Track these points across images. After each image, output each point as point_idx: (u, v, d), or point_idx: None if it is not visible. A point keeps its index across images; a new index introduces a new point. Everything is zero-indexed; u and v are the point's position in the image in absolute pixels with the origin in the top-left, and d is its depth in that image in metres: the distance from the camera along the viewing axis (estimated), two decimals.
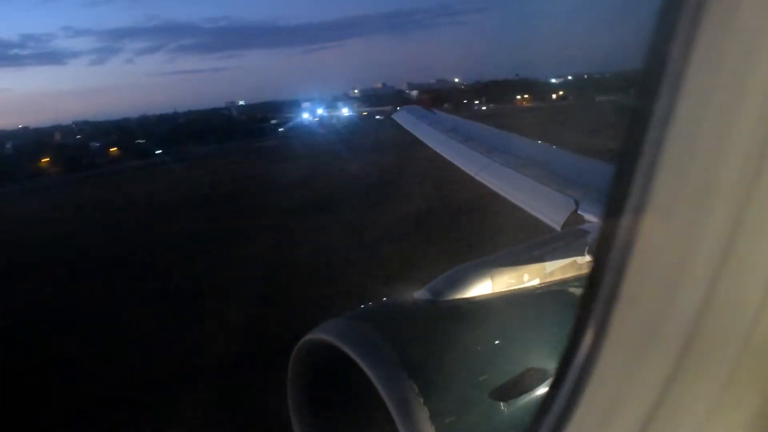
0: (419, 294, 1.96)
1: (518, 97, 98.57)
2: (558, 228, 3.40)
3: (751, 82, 0.59)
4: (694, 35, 0.60)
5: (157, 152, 68.64)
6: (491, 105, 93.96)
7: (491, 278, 2.06)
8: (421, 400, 1.45)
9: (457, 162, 5.42)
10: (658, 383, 0.69)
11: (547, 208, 3.77)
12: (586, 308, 0.75)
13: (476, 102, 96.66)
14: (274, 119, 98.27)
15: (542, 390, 1.58)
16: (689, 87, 0.62)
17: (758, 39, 0.58)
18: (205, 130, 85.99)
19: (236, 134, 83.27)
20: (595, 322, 0.73)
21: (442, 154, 5.87)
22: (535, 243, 2.49)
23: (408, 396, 1.45)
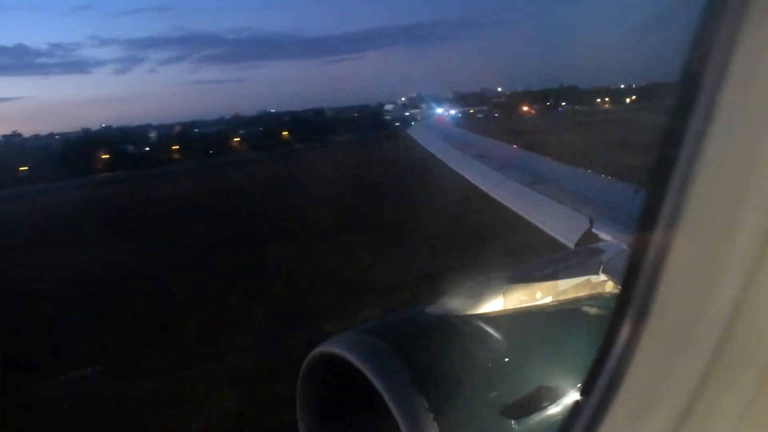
0: (431, 309, 1.96)
1: (598, 100, 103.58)
2: (572, 246, 3.37)
3: None
4: (729, 55, 0.61)
5: (311, 139, 75.50)
6: (576, 106, 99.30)
7: (503, 295, 2.05)
8: (431, 415, 1.44)
9: (471, 178, 5.42)
10: (689, 391, 0.70)
11: (561, 225, 3.74)
12: (619, 316, 0.76)
13: (561, 105, 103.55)
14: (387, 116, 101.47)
15: (553, 409, 1.56)
16: (722, 105, 0.63)
17: None
18: (334, 125, 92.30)
19: (367, 126, 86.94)
20: (628, 330, 0.75)
21: (457, 170, 5.87)
22: (549, 260, 2.47)
23: (418, 411, 1.44)
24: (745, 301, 0.65)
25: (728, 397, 0.69)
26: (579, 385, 0.91)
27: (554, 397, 1.58)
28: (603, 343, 0.80)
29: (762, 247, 0.64)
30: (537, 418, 1.55)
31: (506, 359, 1.73)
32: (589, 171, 5.09)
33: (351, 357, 1.57)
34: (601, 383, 0.79)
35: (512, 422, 1.54)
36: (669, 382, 0.72)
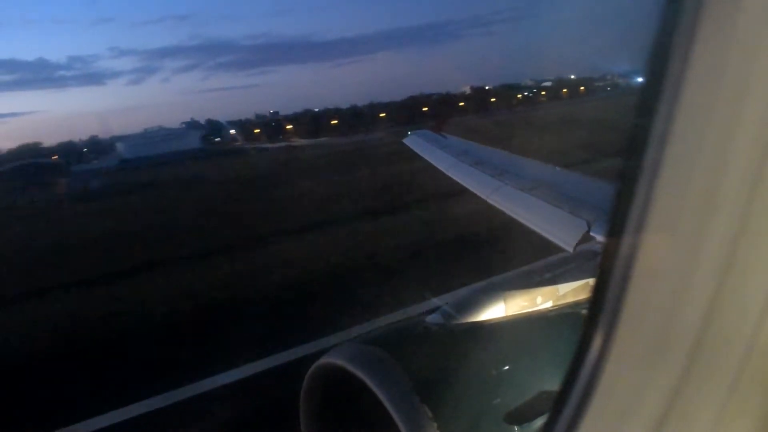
0: (432, 318, 1.97)
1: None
2: (570, 250, 3.38)
3: (750, 95, 0.60)
4: (690, 50, 0.61)
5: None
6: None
7: (504, 301, 2.06)
8: (435, 424, 1.44)
9: (468, 185, 5.44)
10: (664, 394, 0.70)
11: (559, 229, 3.75)
12: (591, 324, 0.76)
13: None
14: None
15: None
16: (687, 103, 0.63)
17: (756, 52, 0.59)
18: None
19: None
20: (601, 338, 0.74)
21: (453, 177, 5.89)
22: (548, 265, 2.48)
23: (421, 420, 1.44)
24: (717, 304, 0.65)
25: (703, 401, 0.70)
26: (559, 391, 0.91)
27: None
28: (576, 351, 0.80)
29: (732, 250, 0.64)
30: (540, 422, 1.55)
31: (508, 365, 1.73)
32: (586, 175, 5.11)
33: (353, 368, 1.58)
34: (576, 394, 0.79)
35: (515, 428, 1.54)
36: (644, 388, 0.72)
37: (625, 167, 0.71)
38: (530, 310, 2.12)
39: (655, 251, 0.69)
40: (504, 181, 5.03)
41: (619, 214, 0.71)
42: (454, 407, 1.52)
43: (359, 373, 1.56)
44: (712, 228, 0.64)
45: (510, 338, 1.88)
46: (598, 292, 0.75)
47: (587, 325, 0.78)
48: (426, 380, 1.56)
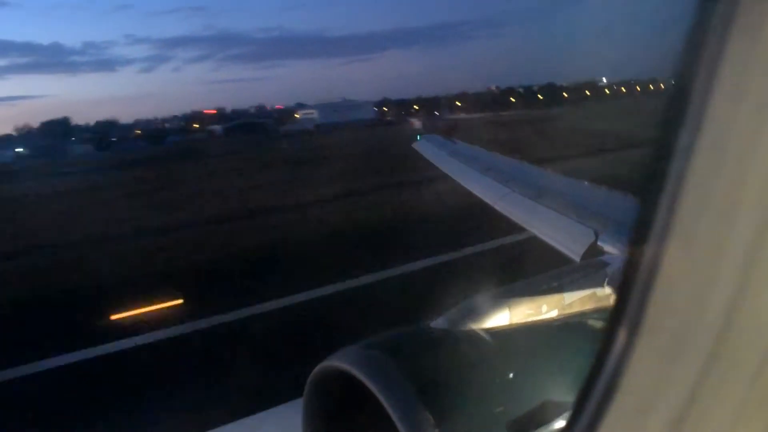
0: (435, 323, 1.96)
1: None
2: (577, 259, 3.37)
3: None
4: (717, 65, 0.62)
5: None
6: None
7: (509, 308, 2.05)
8: (437, 431, 1.44)
9: (477, 191, 5.44)
10: (684, 394, 0.72)
11: (566, 238, 3.74)
12: (614, 325, 0.78)
13: None
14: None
15: (560, 423, 1.55)
16: (711, 117, 0.64)
17: None
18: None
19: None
20: (623, 338, 0.76)
21: (462, 184, 5.89)
22: (554, 274, 2.47)
23: (423, 427, 1.44)
24: (736, 308, 0.67)
25: (721, 402, 0.71)
26: (577, 393, 0.93)
27: (560, 411, 1.57)
28: (599, 351, 0.81)
29: (751, 258, 0.65)
30: None
31: (512, 373, 1.72)
32: (595, 184, 5.09)
33: (355, 372, 1.58)
34: (597, 392, 0.80)
35: None
36: (664, 389, 0.74)
37: (649, 177, 0.73)
38: (535, 318, 2.11)
39: (677, 258, 0.71)
40: (512, 188, 5.02)
41: (644, 222, 0.73)
42: (457, 414, 1.52)
43: (362, 378, 1.55)
44: (732, 237, 0.66)
45: (514, 346, 1.87)
46: (622, 294, 0.77)
47: (610, 326, 0.80)
48: (429, 386, 1.56)
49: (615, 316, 0.78)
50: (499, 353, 1.80)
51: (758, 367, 0.67)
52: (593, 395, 0.81)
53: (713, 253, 0.67)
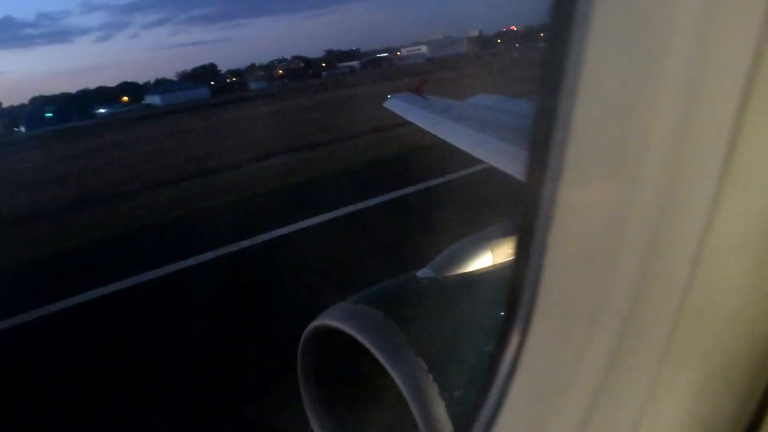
0: (422, 272, 1.98)
1: None
2: None
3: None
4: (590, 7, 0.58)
5: None
6: None
7: (491, 251, 2.08)
8: (431, 376, 1.47)
9: (451, 140, 5.41)
10: (593, 370, 0.69)
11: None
12: (511, 303, 0.74)
13: None
14: None
15: None
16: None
17: None
18: None
19: None
20: (522, 315, 0.72)
21: (437, 135, 5.85)
22: None
23: (417, 372, 1.47)
24: (644, 273, 0.64)
25: (634, 379, 0.69)
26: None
27: None
28: (500, 331, 0.77)
29: (659, 217, 0.62)
30: None
31: (498, 313, 1.76)
32: None
33: (346, 327, 1.60)
34: (502, 372, 0.77)
35: None
36: (570, 366, 0.71)
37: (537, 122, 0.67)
38: None
39: (578, 209, 0.66)
40: (488, 134, 5.00)
41: (536, 165, 0.67)
42: (448, 358, 1.55)
43: (353, 333, 1.58)
44: (636, 193, 0.62)
45: (499, 287, 1.90)
46: (518, 257, 0.72)
47: (508, 306, 0.75)
48: (419, 334, 1.59)
49: (512, 286, 0.74)
50: (485, 295, 1.83)
51: (669, 332, 0.65)
52: (497, 378, 0.78)
53: (617, 207, 0.64)
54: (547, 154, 0.63)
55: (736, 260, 0.63)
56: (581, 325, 0.69)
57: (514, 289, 0.73)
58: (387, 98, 7.92)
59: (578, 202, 0.65)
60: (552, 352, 0.72)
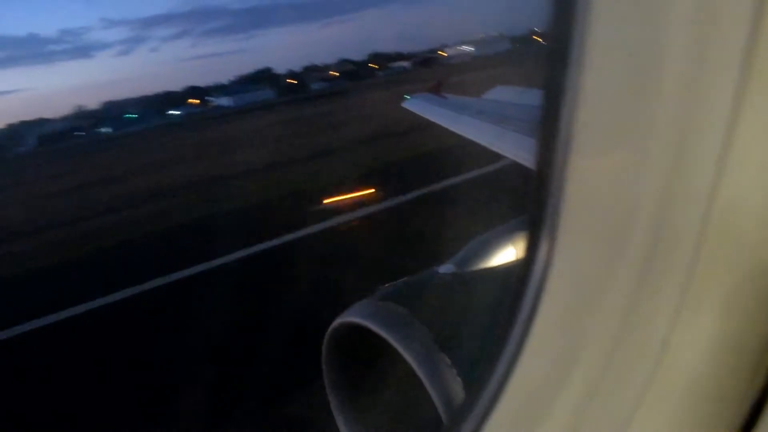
0: (444, 268, 1.98)
1: None
2: None
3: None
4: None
5: None
6: None
7: (513, 245, 2.07)
8: (455, 371, 1.47)
9: (470, 135, 5.39)
10: (622, 286, 0.70)
11: None
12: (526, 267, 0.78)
13: None
14: None
15: None
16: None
17: None
18: None
19: None
20: (546, 246, 0.74)
21: (455, 131, 5.84)
22: None
23: (441, 368, 1.47)
24: (665, 197, 0.64)
25: (662, 299, 0.68)
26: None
27: None
28: (508, 311, 0.78)
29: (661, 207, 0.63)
30: None
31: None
32: None
33: (370, 325, 1.60)
34: (519, 323, 0.80)
35: None
36: (598, 288, 0.71)
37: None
38: None
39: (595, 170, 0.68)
40: (506, 128, 4.97)
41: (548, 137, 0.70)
42: (472, 353, 1.55)
43: (378, 330, 1.58)
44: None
45: None
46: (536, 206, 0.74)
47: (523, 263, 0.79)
48: (443, 330, 1.59)
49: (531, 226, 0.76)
50: (509, 289, 1.82)
51: (693, 251, 0.65)
52: (524, 302, 0.80)
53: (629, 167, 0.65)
54: (557, 122, 0.67)
55: (759, 170, 0.63)
56: (607, 247, 0.69)
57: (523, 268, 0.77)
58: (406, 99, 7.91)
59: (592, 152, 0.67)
60: (580, 273, 0.73)
